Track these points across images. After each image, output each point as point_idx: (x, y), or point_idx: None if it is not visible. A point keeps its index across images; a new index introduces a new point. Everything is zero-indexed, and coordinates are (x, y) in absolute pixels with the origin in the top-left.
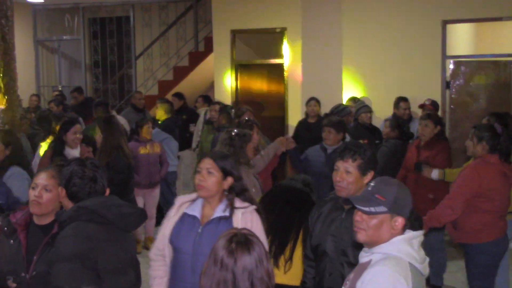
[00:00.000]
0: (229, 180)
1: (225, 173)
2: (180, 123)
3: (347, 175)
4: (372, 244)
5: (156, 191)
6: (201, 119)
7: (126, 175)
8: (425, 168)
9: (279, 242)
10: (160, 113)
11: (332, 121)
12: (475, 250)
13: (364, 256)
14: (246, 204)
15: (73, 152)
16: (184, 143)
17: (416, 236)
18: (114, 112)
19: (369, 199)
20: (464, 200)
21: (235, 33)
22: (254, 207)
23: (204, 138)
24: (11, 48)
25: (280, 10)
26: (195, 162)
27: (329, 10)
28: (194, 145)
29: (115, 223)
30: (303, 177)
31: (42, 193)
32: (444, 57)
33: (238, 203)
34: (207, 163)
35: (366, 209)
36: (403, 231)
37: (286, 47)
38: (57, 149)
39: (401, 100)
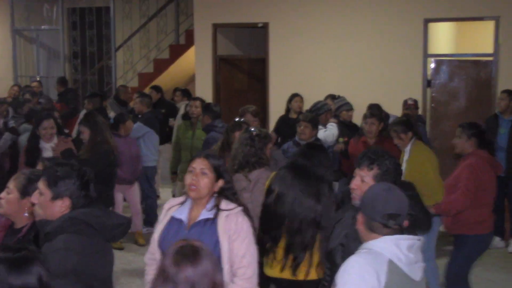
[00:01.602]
0: (220, 182)
1: (218, 174)
2: (161, 117)
3: (362, 184)
4: (363, 241)
5: (136, 187)
6: (180, 114)
7: (110, 170)
8: None
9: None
10: (140, 107)
11: (309, 117)
12: (471, 241)
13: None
14: (232, 205)
15: (48, 146)
16: (164, 137)
17: (405, 238)
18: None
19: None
20: (473, 195)
21: (216, 27)
22: (240, 208)
23: (182, 134)
24: None
25: (263, 4)
26: (172, 156)
27: (312, 6)
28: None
29: (103, 234)
30: None
31: (4, 194)
32: (426, 55)
33: (224, 204)
34: (201, 163)
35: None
36: (368, 229)
37: (268, 42)
38: (31, 143)
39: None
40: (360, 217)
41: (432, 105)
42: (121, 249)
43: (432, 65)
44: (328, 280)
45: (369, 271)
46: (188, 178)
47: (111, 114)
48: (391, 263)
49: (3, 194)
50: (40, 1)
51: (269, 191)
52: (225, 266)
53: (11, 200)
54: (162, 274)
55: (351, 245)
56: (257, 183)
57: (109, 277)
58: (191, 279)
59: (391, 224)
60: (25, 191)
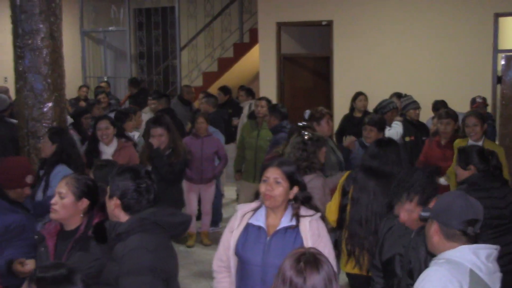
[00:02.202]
0: (295, 189)
1: (292, 182)
2: (226, 117)
3: (410, 214)
4: (435, 252)
5: (212, 187)
6: (245, 113)
7: (182, 174)
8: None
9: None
10: (206, 107)
11: (374, 120)
12: None
13: (431, 263)
14: (311, 212)
15: (108, 149)
16: (229, 136)
17: (483, 248)
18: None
19: (426, 209)
20: None
21: (280, 25)
22: (319, 214)
23: (246, 133)
24: (59, 45)
25: (327, 2)
26: (236, 155)
27: (377, 3)
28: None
29: (168, 232)
30: None
31: (57, 200)
32: (496, 51)
33: (303, 211)
34: (275, 173)
35: (422, 213)
36: (446, 238)
37: (332, 40)
38: (91, 146)
39: (437, 107)
40: (434, 227)
41: (503, 102)
42: (190, 246)
43: (503, 61)
44: None
45: (452, 281)
46: (263, 188)
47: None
48: (472, 273)
49: (55, 200)
50: (108, 3)
51: (344, 192)
52: None
53: (67, 205)
54: (288, 285)
55: (410, 254)
56: (312, 193)
57: (177, 273)
58: (317, 287)
59: (470, 231)
60: (79, 193)
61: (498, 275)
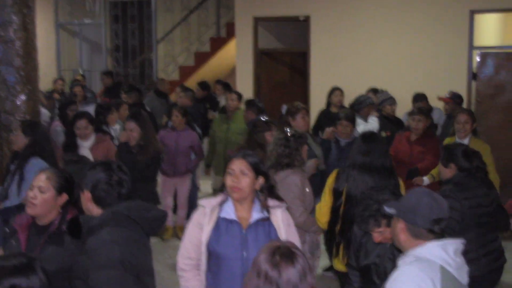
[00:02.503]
0: (261, 179)
1: (257, 172)
2: (203, 111)
3: (384, 235)
4: (402, 249)
5: (187, 180)
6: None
7: (154, 170)
8: (417, 178)
9: None
10: (185, 101)
11: (349, 115)
12: None
13: (399, 262)
14: (278, 202)
15: (85, 143)
16: (205, 130)
17: (451, 243)
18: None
19: (392, 202)
20: None
21: (257, 20)
22: (285, 204)
23: (217, 127)
24: (32, 37)
25: None
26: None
27: None
28: None
29: (143, 227)
30: None
31: (36, 194)
32: (471, 47)
33: (271, 202)
34: (240, 164)
35: (386, 208)
36: (413, 236)
37: (310, 35)
38: (68, 140)
39: (417, 100)
40: (400, 225)
41: (477, 99)
42: (166, 240)
43: (478, 58)
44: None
45: (425, 279)
46: (229, 180)
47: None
48: (443, 269)
49: (34, 194)
50: None
51: (336, 193)
52: None
53: (47, 199)
54: (263, 279)
55: (387, 265)
56: (281, 183)
57: (151, 268)
58: (293, 280)
59: (437, 229)
60: (60, 188)
61: (465, 269)
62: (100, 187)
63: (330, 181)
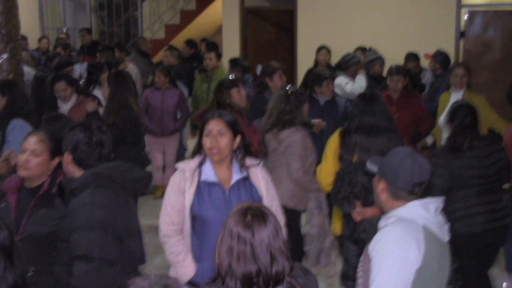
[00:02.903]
0: (238, 138)
1: (234, 131)
2: (189, 70)
3: (362, 215)
4: (383, 209)
5: (175, 139)
6: None
7: (135, 133)
8: (422, 141)
9: None
10: (171, 60)
11: (333, 75)
12: None
13: (381, 223)
14: (255, 160)
15: (65, 106)
16: (191, 89)
17: (432, 202)
18: (127, 61)
19: (376, 159)
20: None
21: None
22: (261, 162)
23: (198, 87)
24: None
25: None
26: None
27: None
28: None
29: (126, 188)
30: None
31: (29, 158)
32: (459, 6)
33: (247, 161)
34: (217, 124)
35: (368, 165)
36: (393, 197)
37: None
38: (49, 102)
39: (408, 59)
40: (382, 185)
41: (465, 58)
42: (158, 197)
43: (466, 16)
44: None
45: (409, 240)
46: (207, 142)
47: (135, 71)
48: (425, 229)
49: (27, 157)
50: None
51: (346, 161)
52: None
53: (41, 163)
54: (236, 239)
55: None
56: (290, 147)
57: (136, 230)
58: (266, 240)
59: (417, 191)
60: (53, 151)
61: (446, 227)
62: (80, 148)
63: (333, 145)
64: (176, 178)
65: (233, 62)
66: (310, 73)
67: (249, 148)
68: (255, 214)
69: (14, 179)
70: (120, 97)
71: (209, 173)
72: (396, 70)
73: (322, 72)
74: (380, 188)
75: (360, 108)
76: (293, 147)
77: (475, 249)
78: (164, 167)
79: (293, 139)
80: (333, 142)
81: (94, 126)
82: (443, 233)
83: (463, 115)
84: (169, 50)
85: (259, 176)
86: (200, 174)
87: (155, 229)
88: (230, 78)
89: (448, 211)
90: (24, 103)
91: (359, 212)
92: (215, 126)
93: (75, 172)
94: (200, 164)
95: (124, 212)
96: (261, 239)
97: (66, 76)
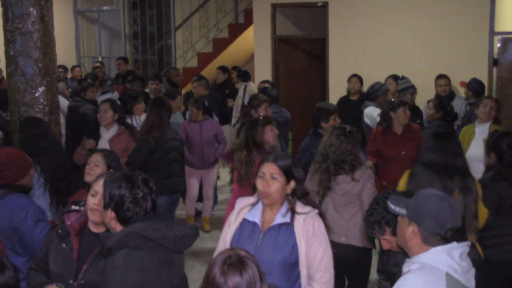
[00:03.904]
0: (292, 184)
1: (288, 177)
2: (220, 99)
3: (391, 243)
4: (407, 252)
5: (213, 172)
6: (240, 95)
7: (174, 155)
8: None
9: None
10: (200, 91)
11: (338, 109)
12: None
13: (405, 267)
14: (307, 208)
15: (107, 133)
16: (223, 118)
17: (456, 247)
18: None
19: (399, 200)
20: None
21: (275, 7)
22: (316, 211)
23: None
24: (50, 29)
25: None
26: (234, 138)
27: None
28: (234, 121)
29: (167, 247)
30: None
31: (101, 201)
32: (492, 33)
33: (299, 207)
34: (271, 168)
35: (392, 206)
36: (424, 241)
37: (328, 22)
38: (93, 127)
39: (439, 78)
40: (412, 228)
41: (498, 85)
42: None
43: (499, 44)
44: None
45: None
46: (259, 185)
47: None
48: (448, 277)
49: (99, 200)
50: None
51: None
52: (303, 270)
53: None
54: (211, 284)
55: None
56: (366, 185)
57: (179, 286)
58: None
59: (449, 236)
60: None
61: (472, 272)
62: (126, 206)
63: (402, 183)
64: (232, 212)
65: (261, 92)
66: (341, 101)
67: (306, 195)
68: (233, 262)
69: (78, 219)
70: (156, 121)
71: (255, 212)
72: (400, 102)
73: (329, 106)
74: (411, 232)
75: (429, 144)
76: (368, 185)
77: (507, 277)
78: (200, 197)
79: (367, 177)
80: (402, 181)
81: (140, 178)
82: (469, 280)
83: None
84: (197, 81)
85: (302, 224)
86: (248, 212)
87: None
88: (262, 116)
89: (482, 237)
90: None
91: (388, 241)
92: (268, 169)
93: (117, 228)
94: (255, 203)
95: (162, 272)
96: (233, 287)
97: (112, 100)
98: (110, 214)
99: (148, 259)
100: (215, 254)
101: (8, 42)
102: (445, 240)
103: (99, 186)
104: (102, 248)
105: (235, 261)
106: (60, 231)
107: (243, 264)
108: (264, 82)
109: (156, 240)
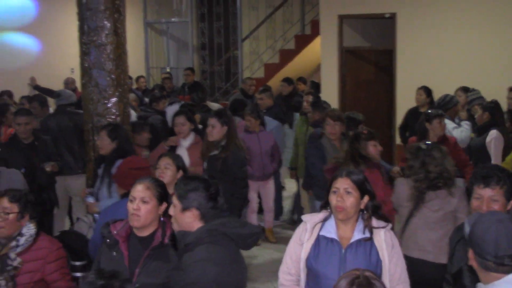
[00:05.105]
0: (366, 198)
1: (362, 191)
2: (285, 110)
3: (493, 203)
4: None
5: (271, 183)
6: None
7: (244, 169)
8: None
9: None
10: (267, 102)
11: (337, 115)
12: None
13: None
14: (382, 223)
15: (184, 142)
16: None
17: None
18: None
19: (471, 219)
20: None
21: (342, 18)
22: (390, 225)
23: (298, 129)
24: (123, 41)
25: None
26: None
27: None
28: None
29: (239, 244)
30: None
31: (140, 205)
32: None
33: (374, 222)
34: (344, 183)
35: (466, 225)
36: (483, 268)
37: (395, 33)
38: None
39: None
40: (470, 253)
41: None
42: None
43: None
44: None
45: None
46: (333, 200)
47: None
48: None
49: (137, 205)
50: None
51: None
52: (386, 284)
53: (151, 210)
54: None
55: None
56: (461, 200)
57: (244, 285)
58: None
59: (507, 262)
60: (160, 197)
61: None
62: (206, 204)
63: (509, 159)
64: (299, 229)
65: (314, 104)
66: (410, 113)
67: (379, 210)
68: (361, 283)
69: (125, 226)
70: (230, 134)
71: (330, 229)
72: (436, 114)
73: (357, 116)
74: (470, 255)
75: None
76: (464, 202)
77: None
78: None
79: (462, 191)
80: None
81: (209, 179)
82: None
83: None
84: (263, 93)
85: (383, 238)
86: (321, 228)
87: None
88: (364, 129)
89: None
90: (128, 145)
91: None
92: (342, 184)
93: (195, 226)
94: (325, 219)
95: (235, 268)
96: None
97: (186, 112)
98: (195, 212)
99: (225, 254)
100: (282, 275)
101: (83, 54)
102: (505, 267)
103: (135, 191)
104: (152, 250)
105: (363, 282)
106: (108, 240)
107: (371, 286)
108: (307, 94)
109: (232, 237)
